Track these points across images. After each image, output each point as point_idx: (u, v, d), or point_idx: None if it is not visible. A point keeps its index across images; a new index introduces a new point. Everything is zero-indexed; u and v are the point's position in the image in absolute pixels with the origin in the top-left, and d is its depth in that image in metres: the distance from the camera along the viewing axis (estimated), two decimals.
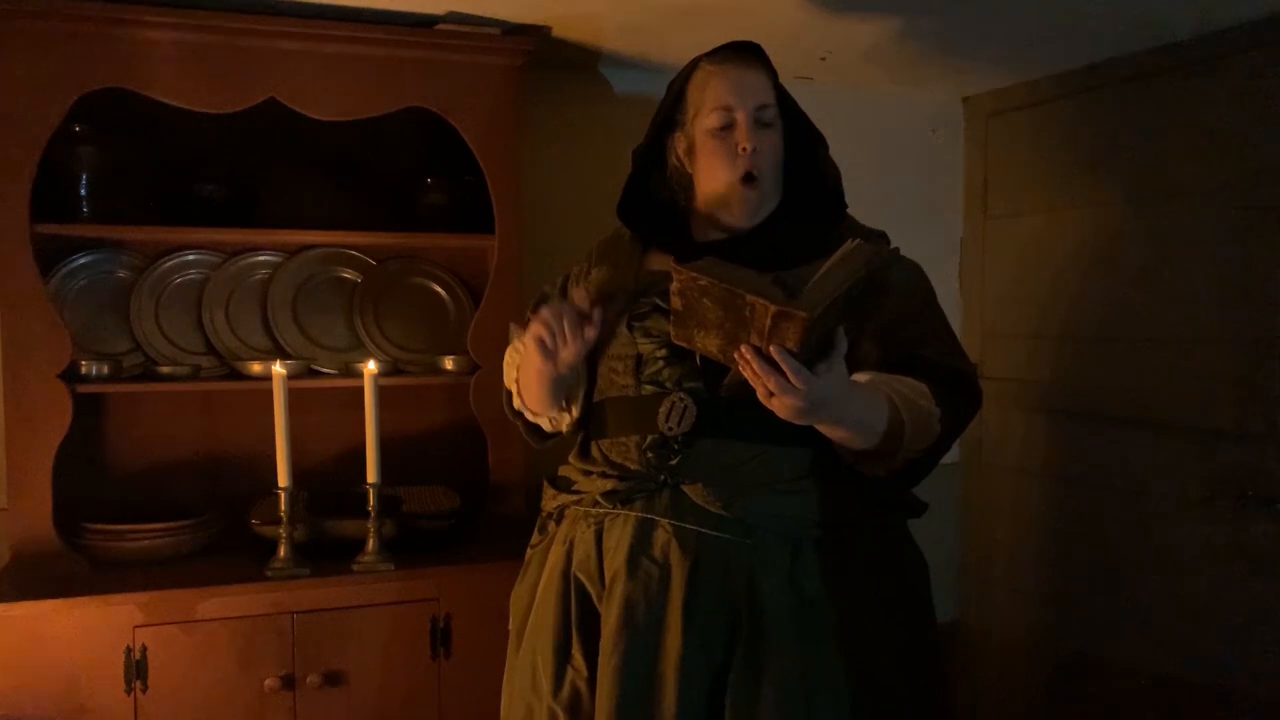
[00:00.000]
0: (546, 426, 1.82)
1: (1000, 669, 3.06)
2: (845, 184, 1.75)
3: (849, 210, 1.75)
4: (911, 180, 3.11)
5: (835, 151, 1.75)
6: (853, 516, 1.59)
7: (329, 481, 2.52)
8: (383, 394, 2.24)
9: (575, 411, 1.75)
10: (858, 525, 1.59)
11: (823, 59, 2.66)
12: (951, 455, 3.10)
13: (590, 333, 1.56)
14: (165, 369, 2.34)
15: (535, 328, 1.57)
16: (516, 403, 1.82)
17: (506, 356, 1.85)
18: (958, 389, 1.59)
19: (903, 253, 1.72)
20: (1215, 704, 2.40)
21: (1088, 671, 2.75)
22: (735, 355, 1.35)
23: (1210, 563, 2.41)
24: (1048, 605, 2.88)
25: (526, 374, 1.70)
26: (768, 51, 1.70)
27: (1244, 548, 2.33)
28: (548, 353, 1.58)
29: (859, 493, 1.59)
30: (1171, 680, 2.50)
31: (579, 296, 1.57)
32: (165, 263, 2.46)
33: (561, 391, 1.70)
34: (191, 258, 2.48)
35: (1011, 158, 3.02)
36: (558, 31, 2.39)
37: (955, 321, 3.13)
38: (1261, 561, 2.30)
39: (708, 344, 1.40)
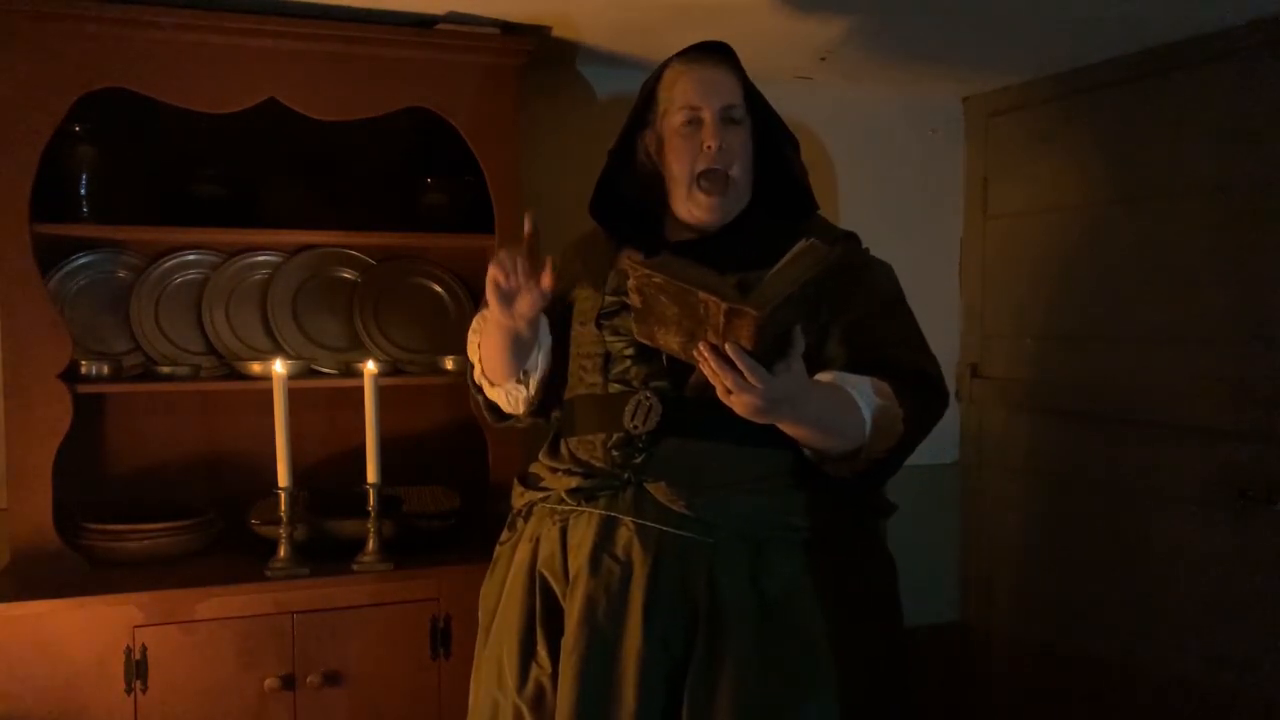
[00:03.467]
0: (504, 404, 1.81)
1: (1000, 669, 3.06)
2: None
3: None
4: (911, 180, 3.10)
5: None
6: (819, 517, 1.59)
7: (329, 481, 2.52)
8: (383, 394, 2.25)
9: (532, 387, 1.75)
10: (824, 526, 1.60)
11: (823, 59, 2.66)
12: (950, 455, 3.14)
13: (546, 280, 1.52)
14: (165, 369, 2.34)
15: (491, 270, 1.54)
16: (477, 374, 1.81)
17: (470, 330, 1.84)
18: (923, 389, 1.59)
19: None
20: (1216, 703, 2.40)
21: (1087, 671, 2.74)
22: (694, 353, 1.36)
23: (1210, 562, 2.41)
24: (1048, 605, 2.88)
25: (488, 339, 1.70)
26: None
27: (1244, 547, 2.33)
28: (505, 298, 1.55)
29: (825, 493, 1.60)
30: (1170, 680, 2.50)
31: (527, 230, 1.54)
32: (165, 263, 2.46)
33: (521, 356, 1.69)
34: (191, 258, 2.48)
35: (1011, 158, 3.02)
36: (557, 31, 2.39)
37: (955, 321, 3.15)
38: (1261, 561, 2.30)
39: (669, 341, 1.41)
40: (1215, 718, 2.40)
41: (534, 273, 1.53)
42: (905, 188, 3.08)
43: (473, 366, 1.83)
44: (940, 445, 1.66)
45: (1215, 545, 2.40)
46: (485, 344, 1.73)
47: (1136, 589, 2.59)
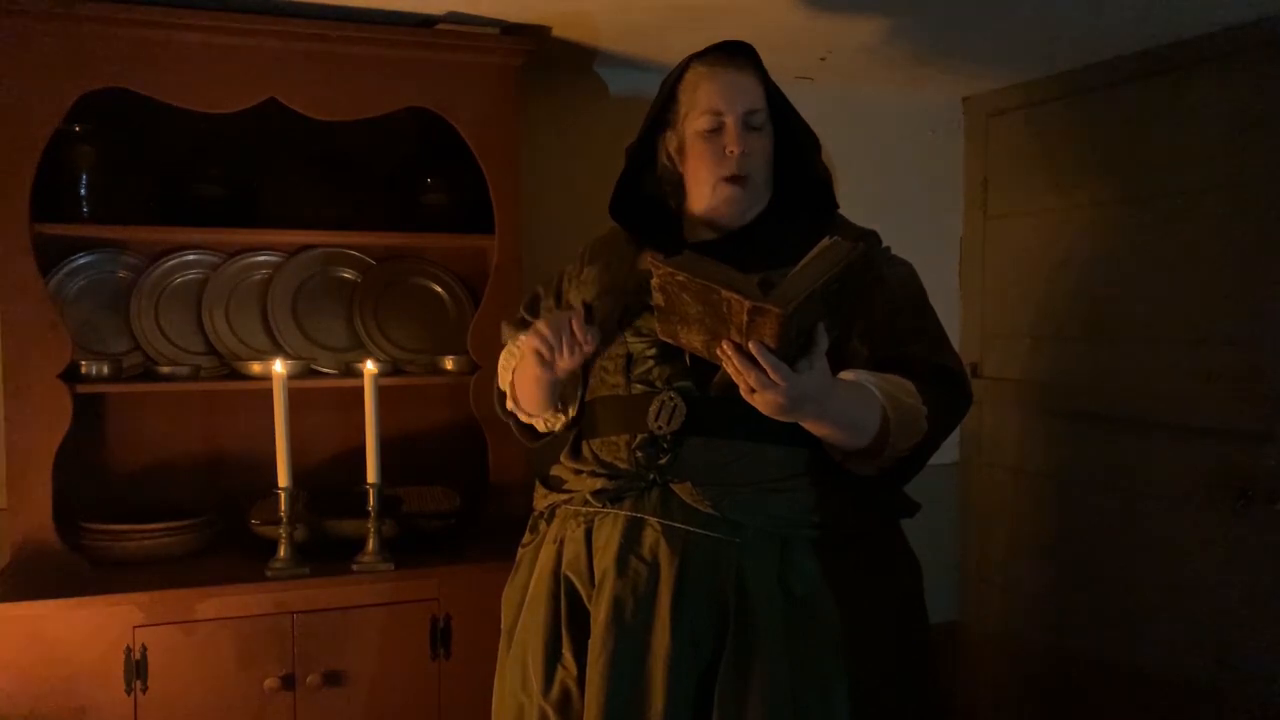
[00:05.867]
0: (540, 427, 1.83)
1: (1000, 669, 3.06)
2: (846, 184, 1.76)
3: (846, 210, 1.75)
4: (911, 180, 3.11)
5: (835, 151, 1.75)
6: (844, 516, 1.58)
7: (329, 481, 2.52)
8: (383, 394, 2.25)
9: (571, 412, 1.76)
10: (849, 524, 1.59)
11: (823, 59, 2.66)
12: (950, 455, 3.15)
13: (589, 347, 1.57)
14: (165, 369, 2.34)
15: (533, 341, 1.58)
16: (510, 404, 1.82)
17: (501, 359, 1.86)
18: (946, 386, 1.59)
19: (903, 252, 1.72)
20: (1215, 704, 2.40)
21: (1087, 671, 2.75)
22: (717, 351, 1.36)
23: (1210, 562, 2.41)
24: (1047, 605, 2.88)
25: (523, 378, 1.71)
26: (768, 52, 1.70)
27: (1244, 547, 2.33)
28: (545, 363, 1.59)
29: (850, 492, 1.59)
30: (1171, 680, 2.50)
31: (576, 324, 1.57)
32: (165, 263, 2.46)
33: (557, 395, 1.71)
34: (191, 258, 2.48)
35: (1011, 158, 3.02)
36: (557, 31, 2.39)
37: (955, 321, 3.15)
38: (1261, 561, 2.30)
39: (692, 340, 1.41)
40: (1215, 716, 2.40)
41: (576, 343, 1.56)
42: (905, 188, 3.08)
43: (504, 395, 1.84)
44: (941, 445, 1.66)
45: (1215, 545, 2.40)
46: (521, 382, 1.73)
47: (1136, 589, 2.59)
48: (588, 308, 1.61)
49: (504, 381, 1.83)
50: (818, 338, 1.37)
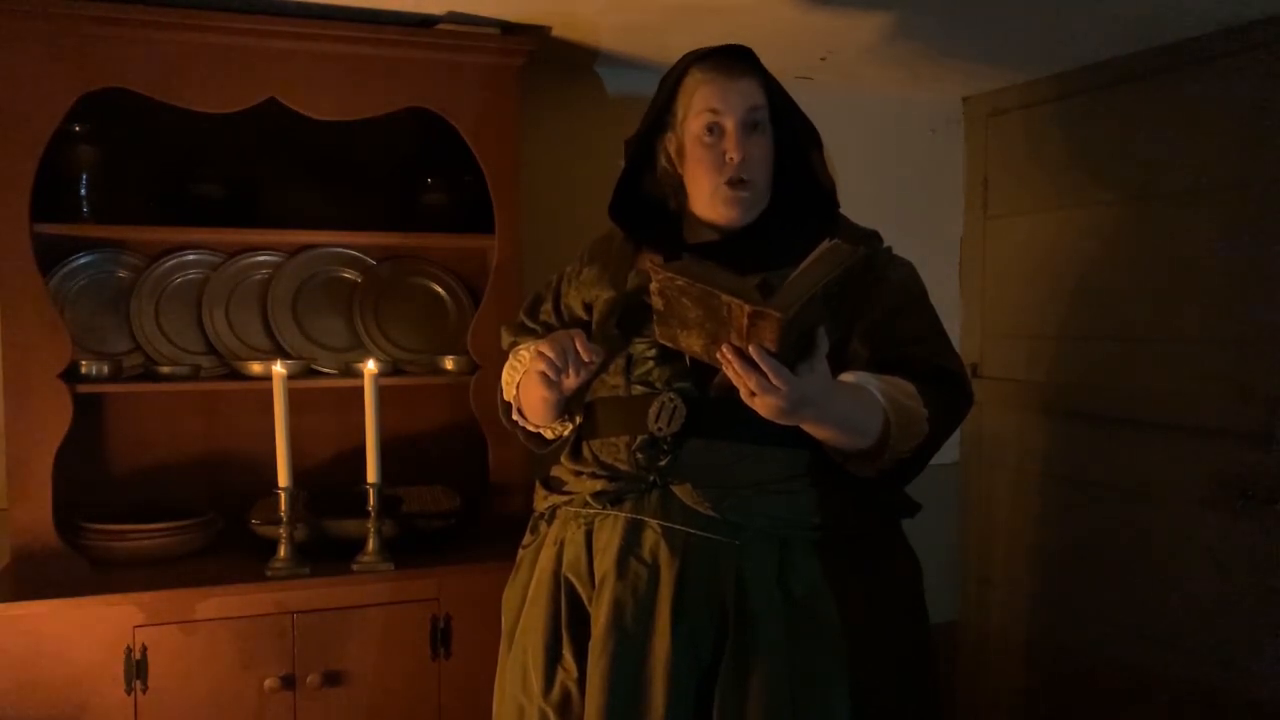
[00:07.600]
0: (549, 435, 1.83)
1: (1000, 669, 3.06)
2: (846, 184, 1.75)
3: (846, 210, 1.75)
4: (911, 180, 3.11)
5: (835, 151, 1.74)
6: (844, 517, 1.58)
7: (329, 481, 2.52)
8: (383, 394, 2.24)
9: (579, 419, 1.76)
10: (849, 525, 1.59)
11: (823, 59, 2.66)
12: (950, 455, 3.15)
13: (594, 365, 1.57)
14: (165, 369, 2.34)
15: (538, 364, 1.58)
16: (515, 414, 1.82)
17: (504, 372, 1.85)
18: (947, 387, 1.58)
19: (903, 252, 1.72)
20: (1215, 704, 2.40)
21: (1087, 672, 2.75)
22: (717, 355, 1.36)
23: (1210, 563, 2.41)
24: (1047, 605, 2.88)
25: (529, 396, 1.71)
26: (768, 52, 1.70)
27: (1244, 548, 2.33)
28: (550, 384, 1.59)
29: (851, 493, 1.59)
30: (1171, 680, 2.50)
31: (580, 344, 1.57)
32: (165, 263, 2.45)
33: (564, 408, 1.71)
34: (191, 258, 2.48)
35: (1011, 158, 3.02)
36: (557, 31, 2.39)
37: (955, 321, 3.15)
38: (1261, 561, 2.30)
39: (691, 344, 1.41)
40: (1215, 717, 2.40)
41: (582, 364, 1.57)
42: (905, 188, 3.08)
43: (509, 405, 1.84)
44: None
45: (1215, 545, 2.40)
46: (527, 399, 1.73)
47: (1136, 589, 2.59)
48: (587, 326, 1.60)
49: (509, 394, 1.83)
50: (818, 341, 1.36)
